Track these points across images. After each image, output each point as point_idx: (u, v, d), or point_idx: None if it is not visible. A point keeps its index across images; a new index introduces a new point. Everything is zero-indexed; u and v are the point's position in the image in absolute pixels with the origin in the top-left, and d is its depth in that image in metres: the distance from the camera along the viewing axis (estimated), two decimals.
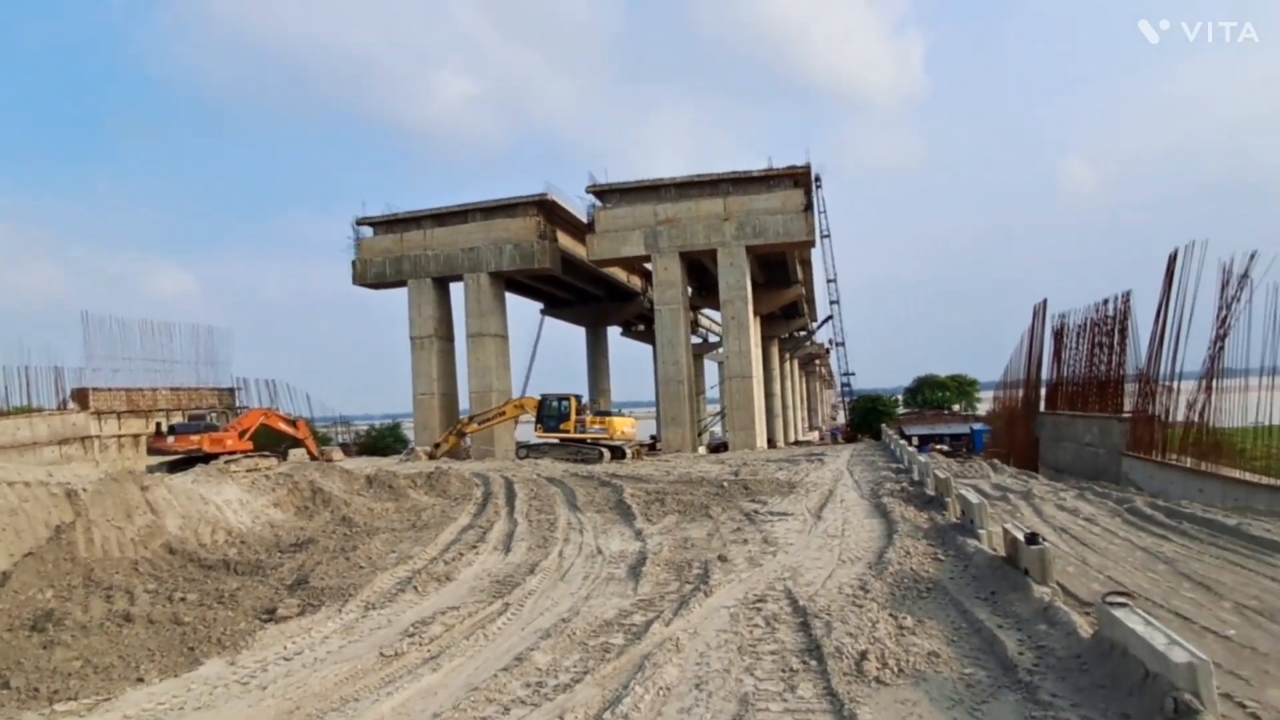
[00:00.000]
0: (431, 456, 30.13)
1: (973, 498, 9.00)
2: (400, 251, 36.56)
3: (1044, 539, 6.37)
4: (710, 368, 67.24)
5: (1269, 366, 14.58)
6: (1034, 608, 5.76)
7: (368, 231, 37.92)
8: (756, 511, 11.72)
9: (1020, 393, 31.33)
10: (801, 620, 6.07)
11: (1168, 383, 18.59)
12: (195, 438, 24.80)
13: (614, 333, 61.08)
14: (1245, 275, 15.73)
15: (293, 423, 30.70)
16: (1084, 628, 5.10)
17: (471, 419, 30.63)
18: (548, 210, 35.54)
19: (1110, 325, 22.40)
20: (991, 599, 6.49)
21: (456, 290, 36.88)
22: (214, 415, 28.64)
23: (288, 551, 10.12)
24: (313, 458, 29.42)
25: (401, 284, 36.68)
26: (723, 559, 8.31)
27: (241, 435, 27.24)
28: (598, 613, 6.57)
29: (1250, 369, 15.46)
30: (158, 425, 27.95)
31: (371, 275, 36.88)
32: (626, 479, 17.10)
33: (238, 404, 36.62)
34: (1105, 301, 22.49)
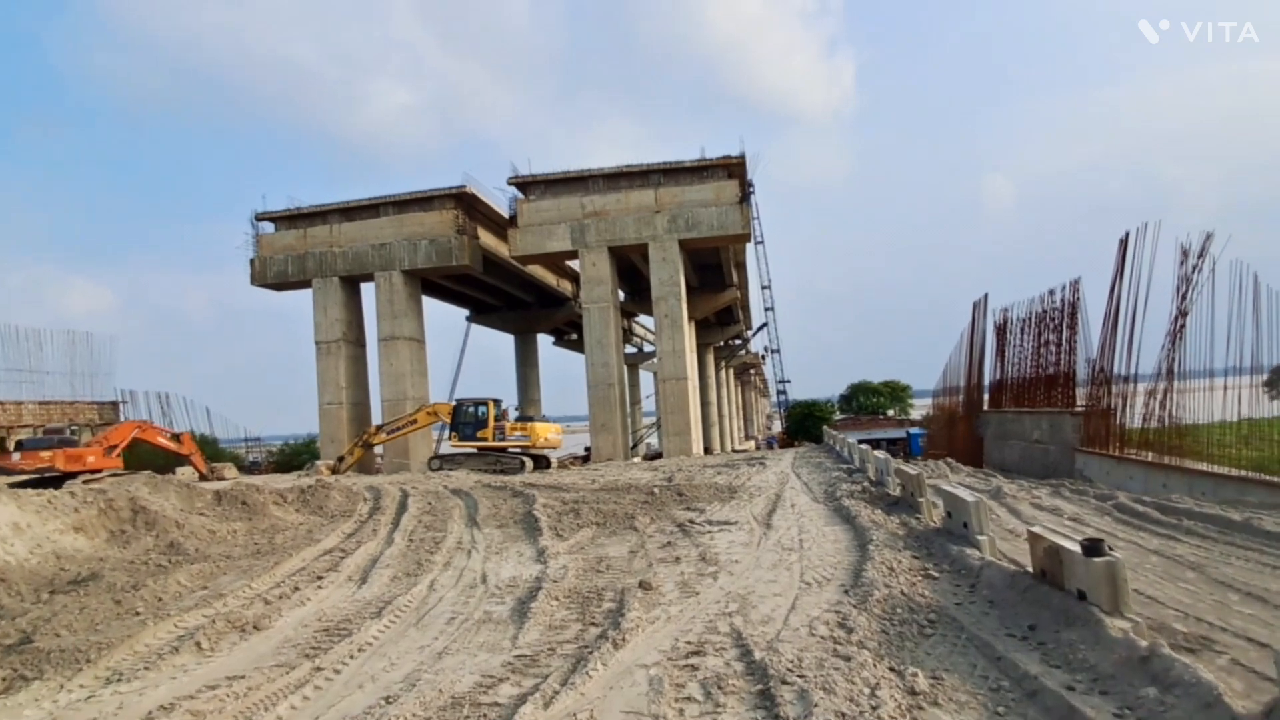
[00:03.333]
0: (335, 471, 27.07)
1: (966, 495, 7.01)
2: (304, 248, 33.23)
3: (1112, 548, 4.35)
4: (646, 379, 65.24)
5: (1231, 363, 13.37)
6: (1119, 657, 3.71)
7: (269, 228, 34.47)
8: (692, 521, 9.53)
9: (961, 392, 30.26)
10: (761, 687, 3.87)
11: (1124, 373, 17.39)
12: (46, 454, 21.25)
13: (547, 343, 58.59)
14: (1202, 253, 14.55)
15: (175, 437, 27.18)
16: (1233, 695, 3.06)
17: (380, 429, 27.65)
18: (467, 204, 32.86)
19: (1058, 317, 21.17)
20: (1033, 638, 4.43)
21: (368, 292, 33.81)
22: (72, 430, 24.87)
23: (62, 591, 7.39)
24: (202, 476, 26.05)
25: (306, 284, 33.32)
26: (646, 586, 6.05)
27: (109, 451, 23.72)
28: (447, 683, 4.22)
29: (1214, 369, 14.22)
30: (0, 441, 24.10)
31: (272, 274, 33.40)
32: (544, 488, 14.72)
33: (122, 419, 32.68)
34: (1052, 292, 21.29)
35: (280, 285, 33.86)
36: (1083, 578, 4.41)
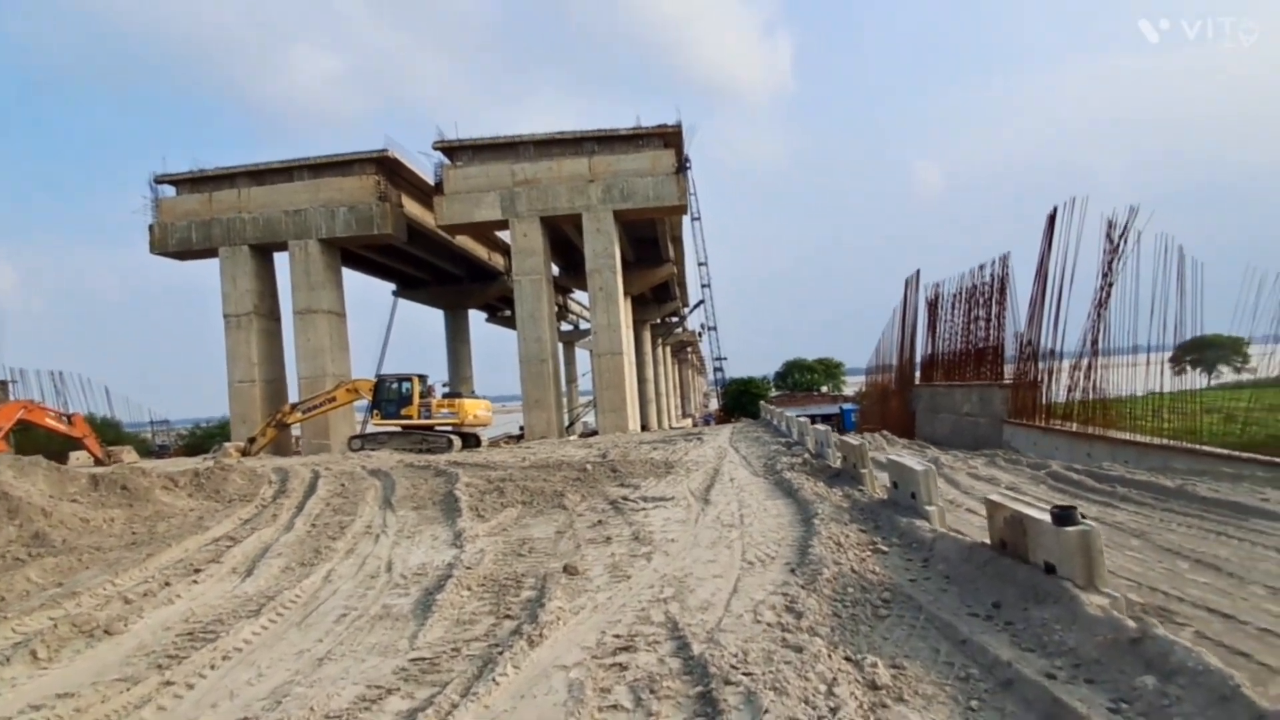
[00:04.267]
0: (245, 453, 25.41)
1: (914, 464, 6.58)
2: (210, 214, 30.93)
3: (1085, 515, 3.90)
4: (583, 358, 64.39)
5: (1155, 339, 13.57)
6: (1103, 638, 3.24)
7: (170, 192, 31.99)
8: (625, 498, 8.90)
9: (893, 368, 30.56)
10: (701, 689, 3.26)
11: (1051, 347, 17.60)
12: None
13: (480, 319, 57.05)
14: (1128, 227, 14.67)
15: (66, 419, 25.02)
16: (1250, 687, 2.60)
17: (295, 407, 26.04)
18: (389, 170, 31.15)
19: (988, 291, 21.32)
20: (999, 617, 3.96)
21: (282, 262, 31.80)
22: None
23: None
24: (98, 461, 24.10)
25: (212, 253, 31.05)
26: (571, 570, 5.39)
27: None
28: (321, 698, 3.47)
29: (1138, 345, 14.44)
30: None
31: (174, 242, 31.01)
32: (469, 467, 13.88)
33: (11, 399, 30.02)
34: (982, 267, 21.42)
35: (183, 254, 31.52)
36: (1052, 549, 3.96)
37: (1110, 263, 14.98)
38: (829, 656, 3.49)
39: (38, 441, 25.58)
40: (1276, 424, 14.01)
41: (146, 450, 34.72)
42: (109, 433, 32.19)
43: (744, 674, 3.30)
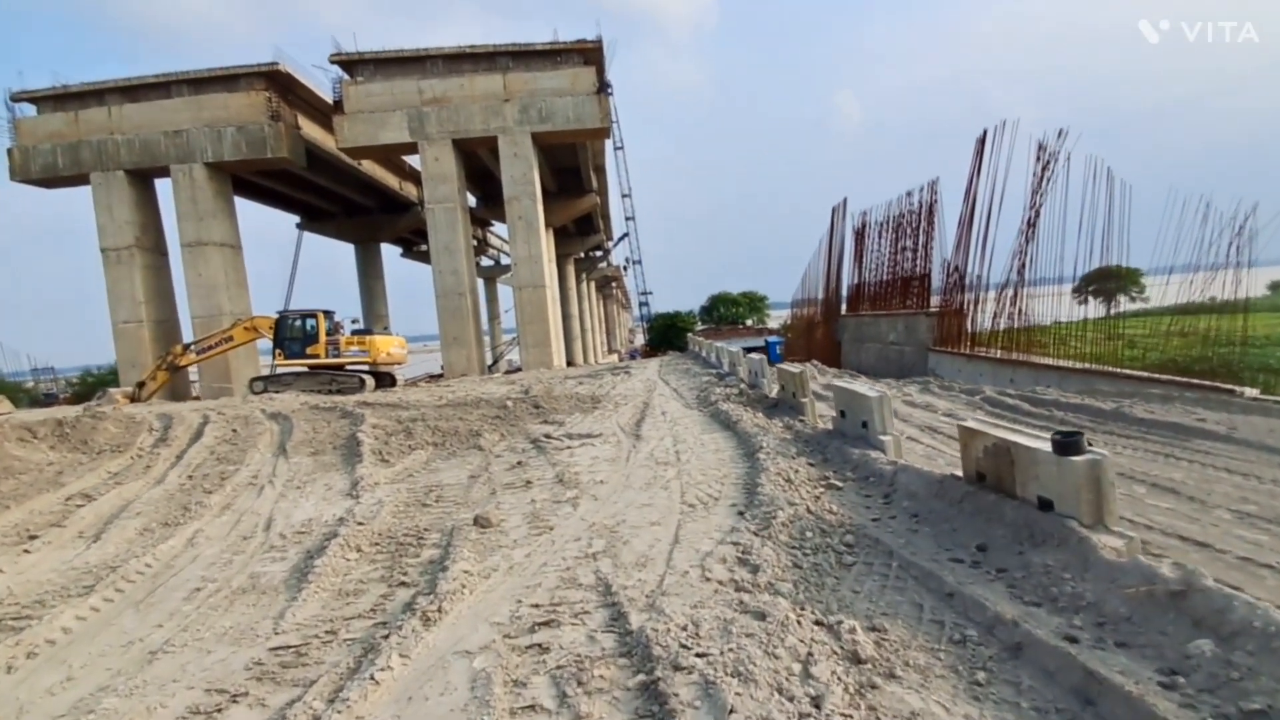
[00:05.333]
0: (134, 399, 23.30)
1: (867, 390, 5.99)
2: (77, 136, 27.54)
3: (1093, 443, 3.32)
4: (505, 294, 62.45)
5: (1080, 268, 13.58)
6: (1133, 591, 2.67)
7: (30, 111, 28.31)
8: (549, 436, 8.09)
9: (820, 299, 30.51)
10: (645, 677, 2.53)
11: (977, 273, 17.54)
12: None
13: (395, 255, 54.19)
14: (1056, 151, 14.43)
15: None
16: None
17: (187, 348, 23.92)
18: (282, 86, 28.27)
19: (916, 220, 21.09)
20: (987, 563, 3.38)
21: (165, 190, 28.81)
22: None
23: None
24: None
25: (84, 179, 27.81)
26: (483, 523, 4.57)
27: None
28: (139, 711, 2.58)
29: (1063, 275, 14.44)
30: None
31: (37, 167, 27.57)
32: (379, 407, 12.76)
33: None
34: (910, 194, 21.12)
35: (49, 181, 28.12)
36: (1049, 482, 3.38)
37: (1041, 182, 14.77)
38: (797, 623, 2.82)
39: None
40: (1172, 349, 14.38)
41: (33, 400, 31.78)
42: None
43: (697, 654, 2.59)
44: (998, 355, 16.06)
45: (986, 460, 3.90)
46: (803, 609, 3.02)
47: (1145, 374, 12.34)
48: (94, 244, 28.33)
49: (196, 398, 27.94)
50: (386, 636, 2.92)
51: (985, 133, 16.21)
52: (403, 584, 3.69)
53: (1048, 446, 3.43)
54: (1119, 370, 12.81)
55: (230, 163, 27.69)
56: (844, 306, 27.19)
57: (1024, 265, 15.41)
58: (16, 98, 28.12)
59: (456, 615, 3.15)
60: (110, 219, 27.56)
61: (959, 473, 4.35)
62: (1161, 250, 12.03)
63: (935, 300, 19.99)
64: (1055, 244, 14.14)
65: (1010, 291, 15.70)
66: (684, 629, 2.76)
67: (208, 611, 3.59)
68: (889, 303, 22.80)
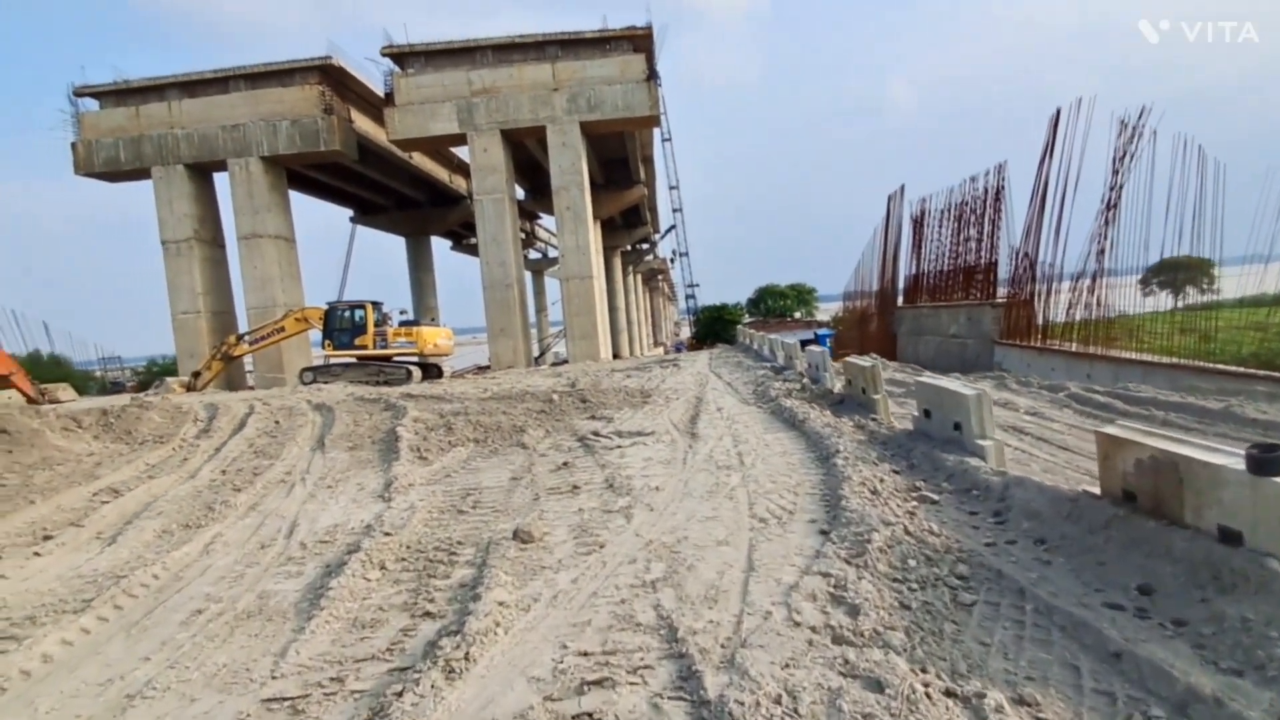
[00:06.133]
0: (190, 389, 23.61)
1: (960, 389, 5.24)
2: (138, 130, 28.02)
3: None
4: (552, 287, 62.34)
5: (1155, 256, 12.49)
6: None
7: (93, 106, 28.91)
8: (597, 434, 7.50)
9: (875, 290, 29.34)
10: None
11: (1050, 261, 16.37)
12: None
13: (446, 248, 54.42)
14: (1140, 128, 13.23)
15: None
16: None
17: (240, 338, 24.13)
18: (335, 80, 28.31)
19: (980, 206, 19.87)
20: (1158, 612, 2.65)
21: (223, 184, 29.15)
22: None
23: None
24: (29, 399, 22.14)
25: (145, 173, 28.30)
26: (524, 537, 3.99)
27: None
28: None
29: (1147, 263, 13.31)
30: None
31: (100, 161, 28.13)
32: (422, 399, 12.39)
33: None
34: (973, 179, 19.91)
35: (112, 175, 28.71)
36: (1238, 509, 2.63)
37: (1122, 160, 13.60)
38: (926, 696, 2.15)
39: None
40: (1253, 343, 13.21)
41: (101, 387, 32.63)
42: (56, 371, 30.02)
43: None
44: (1072, 348, 14.95)
45: (1139, 477, 3.15)
46: (925, 670, 2.34)
47: (1245, 370, 11.18)
48: (155, 237, 28.87)
49: (251, 387, 28.30)
50: (400, 694, 2.35)
51: (1058, 111, 15.03)
52: (427, 614, 3.12)
53: (1233, 462, 2.68)
54: (1214, 366, 11.66)
55: (285, 156, 27.82)
56: (900, 298, 26.05)
57: (1103, 251, 14.25)
58: (80, 92, 28.73)
59: (487, 665, 2.57)
60: (170, 212, 27.99)
61: (1094, 489, 3.60)
62: (1258, 238, 10.90)
63: (1001, 291, 18.85)
64: (1139, 229, 13.01)
65: (1087, 280, 14.58)
66: (777, 702, 2.12)
67: (203, 642, 3.08)
68: (950, 293, 21.65)
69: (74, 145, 28.48)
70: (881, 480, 4.63)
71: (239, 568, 4.06)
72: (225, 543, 4.65)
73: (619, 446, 6.72)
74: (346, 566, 3.66)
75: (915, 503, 4.25)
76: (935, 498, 4.34)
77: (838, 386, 9.62)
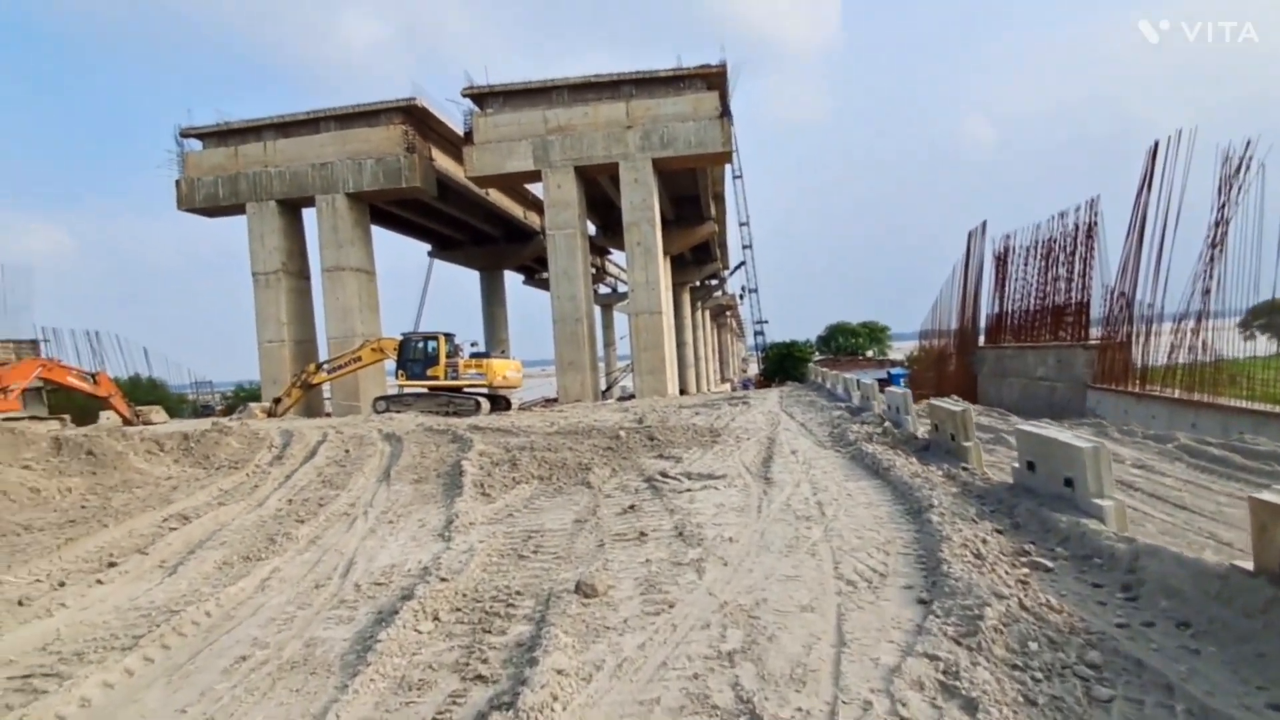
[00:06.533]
0: (271, 414, 24.41)
1: (1072, 440, 4.71)
2: (236, 168, 29.70)
3: None
4: (621, 322, 62.73)
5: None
6: None
7: (196, 145, 30.82)
8: (665, 475, 7.17)
9: (953, 330, 28.22)
10: None
11: (1150, 300, 15.30)
12: None
13: (517, 282, 55.55)
14: (1248, 160, 12.25)
15: (90, 377, 24.19)
16: None
17: (320, 367, 24.87)
18: (418, 120, 29.42)
19: (1071, 243, 18.85)
20: None
21: (311, 219, 30.51)
22: None
23: None
24: (125, 420, 23.30)
25: (239, 209, 29.90)
26: (587, 591, 3.68)
27: (3, 392, 20.81)
28: None
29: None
30: None
31: (201, 198, 29.90)
32: (490, 432, 12.32)
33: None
34: (1062, 215, 18.94)
35: (211, 210, 30.44)
36: None
37: (1228, 192, 12.63)
38: None
39: (74, 401, 25.02)
40: None
41: (194, 410, 34.15)
42: (153, 393, 31.60)
43: None
44: (1175, 395, 13.85)
45: None
46: None
47: None
48: (246, 270, 30.29)
49: (328, 414, 29.12)
50: None
51: (1156, 143, 14.15)
52: (479, 678, 2.83)
53: None
54: None
55: (369, 192, 28.95)
56: (981, 337, 24.95)
57: (1209, 291, 13.22)
58: (185, 133, 30.68)
59: None
60: (261, 245, 29.39)
61: (1246, 564, 3.06)
62: None
63: (1094, 332, 17.77)
64: (1248, 268, 11.99)
65: (1190, 322, 13.55)
66: None
67: (243, 695, 2.87)
68: (1036, 334, 20.57)
69: (178, 183, 30.35)
70: (984, 541, 4.14)
71: (290, 609, 3.88)
72: (281, 579, 4.50)
73: (688, 490, 6.36)
74: (398, 616, 3.42)
75: (1026, 570, 3.75)
76: (1049, 564, 3.83)
77: (921, 431, 9.04)
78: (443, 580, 3.93)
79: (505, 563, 4.44)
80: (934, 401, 8.52)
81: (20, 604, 4.32)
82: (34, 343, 30.96)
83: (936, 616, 3.09)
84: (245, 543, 5.50)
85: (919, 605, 3.34)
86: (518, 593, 3.81)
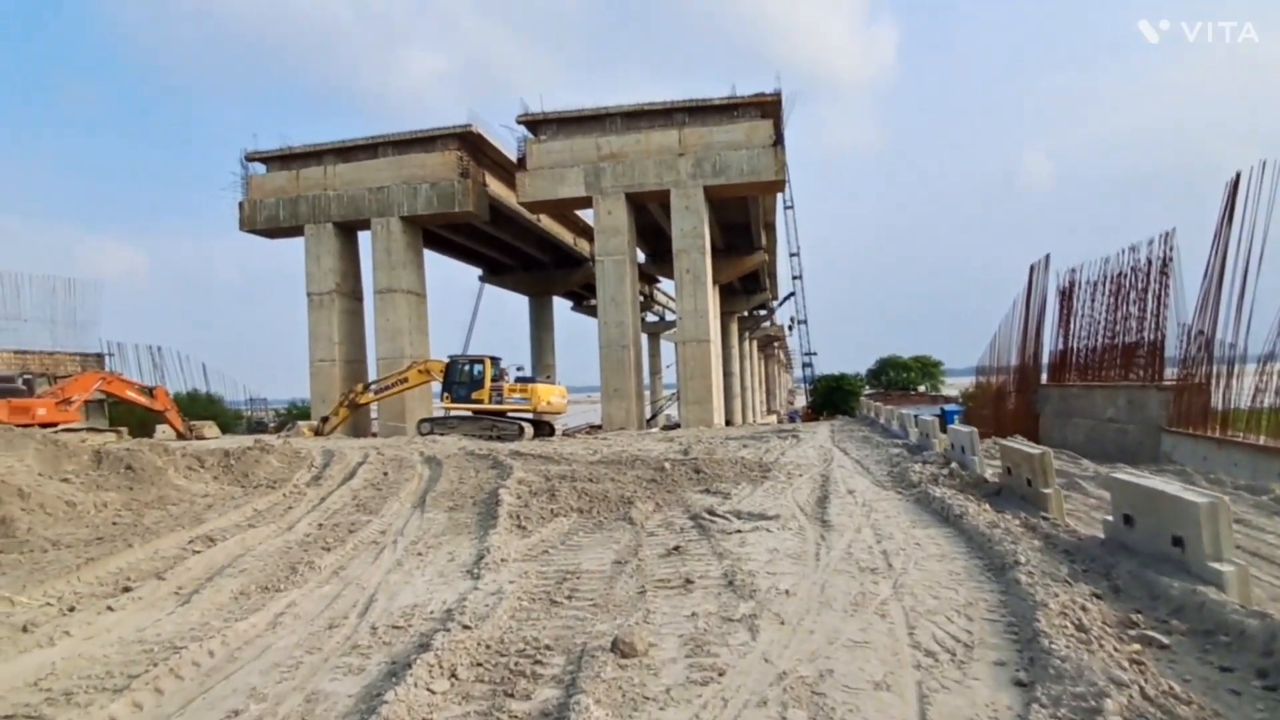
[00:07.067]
0: (318, 433, 24.61)
1: (1184, 493, 4.12)
2: (296, 191, 30.49)
3: None
4: (668, 351, 62.39)
5: None
6: None
7: (260, 169, 31.78)
8: (712, 512, 6.69)
9: (1013, 366, 27.04)
10: None
11: (1232, 339, 14.28)
12: None
13: (565, 308, 55.80)
14: None
15: (148, 391, 24.77)
16: None
17: (367, 387, 25.04)
18: (473, 146, 29.83)
19: (1143, 279, 17.81)
20: None
21: (366, 242, 31.10)
22: (25, 379, 22.45)
23: None
24: (179, 434, 23.78)
25: (298, 230, 30.62)
26: (625, 650, 3.23)
27: (65, 404, 21.37)
28: None
29: None
30: None
31: (262, 219, 30.74)
32: (531, 458, 12.00)
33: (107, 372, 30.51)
34: (1133, 248, 17.94)
35: (271, 231, 31.25)
36: None
37: None
38: None
39: (135, 414, 25.68)
40: None
41: (249, 426, 34.78)
42: (211, 409, 32.28)
43: None
44: (1261, 441, 12.80)
45: None
46: None
47: None
48: (301, 290, 30.89)
49: (374, 434, 29.30)
50: None
51: (1238, 175, 13.28)
52: None
53: None
54: None
55: (423, 216, 29.36)
56: (1044, 375, 23.82)
57: None
58: (250, 157, 31.67)
59: None
60: (317, 266, 29.97)
61: None
62: None
63: (1169, 372, 16.69)
64: None
65: (1277, 364, 12.56)
66: None
67: None
68: (1105, 373, 19.48)
69: (241, 204, 31.28)
70: (1084, 608, 3.57)
71: (299, 653, 3.53)
72: (296, 615, 4.17)
73: (738, 531, 5.87)
74: (412, 670, 3.03)
75: (1137, 645, 3.19)
76: (1164, 640, 3.26)
77: (989, 473, 8.38)
78: (465, 628, 3.53)
79: (536, 609, 4.02)
80: (1005, 442, 7.87)
81: (25, 630, 4.08)
82: (100, 356, 31.99)
83: (1043, 706, 2.56)
84: (266, 571, 5.21)
85: (1018, 689, 2.81)
86: (547, 647, 3.39)
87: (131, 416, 25.93)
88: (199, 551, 5.83)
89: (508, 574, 4.76)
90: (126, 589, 4.80)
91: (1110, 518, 5.04)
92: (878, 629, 3.52)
